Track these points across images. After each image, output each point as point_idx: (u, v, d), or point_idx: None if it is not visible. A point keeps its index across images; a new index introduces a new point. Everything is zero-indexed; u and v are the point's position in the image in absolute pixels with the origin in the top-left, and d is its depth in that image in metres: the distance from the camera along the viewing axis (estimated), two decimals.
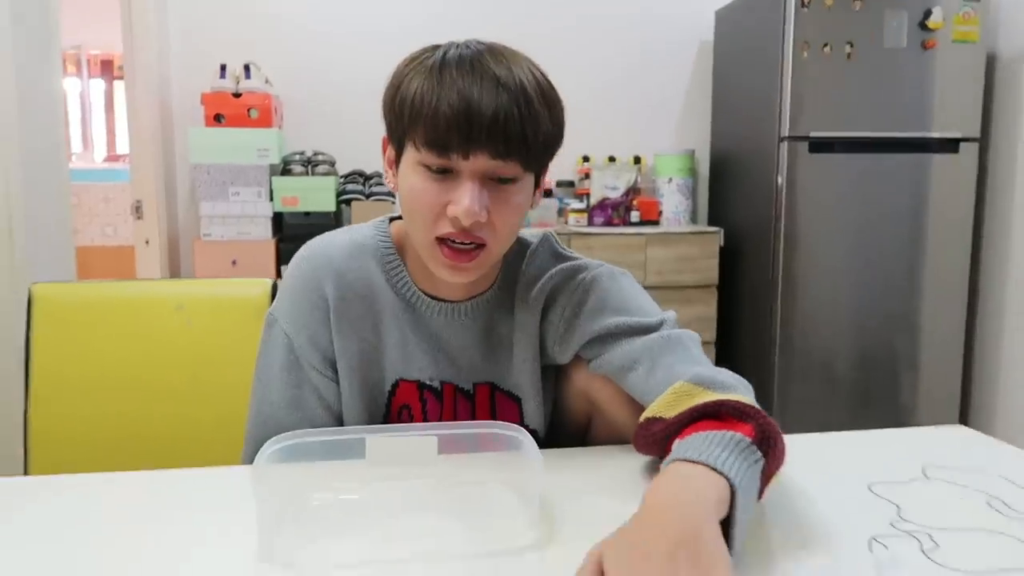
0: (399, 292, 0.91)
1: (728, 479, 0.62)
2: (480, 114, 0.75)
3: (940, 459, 0.87)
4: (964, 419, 2.90)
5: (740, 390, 0.77)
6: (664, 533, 0.56)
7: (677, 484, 0.62)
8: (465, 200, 0.77)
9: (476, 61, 0.78)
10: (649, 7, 3.32)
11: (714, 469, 0.62)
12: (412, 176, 0.80)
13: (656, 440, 0.76)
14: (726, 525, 0.61)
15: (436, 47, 0.82)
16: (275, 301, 0.93)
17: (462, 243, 0.80)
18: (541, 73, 0.81)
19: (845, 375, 2.81)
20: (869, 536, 0.68)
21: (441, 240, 0.81)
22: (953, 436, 0.97)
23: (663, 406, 0.78)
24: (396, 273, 0.91)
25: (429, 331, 0.92)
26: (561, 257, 0.96)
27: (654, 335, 0.86)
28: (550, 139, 0.81)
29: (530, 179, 0.83)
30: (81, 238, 4.56)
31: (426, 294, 0.91)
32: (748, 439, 0.66)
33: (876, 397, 2.82)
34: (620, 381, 0.87)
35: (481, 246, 0.81)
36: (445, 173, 0.78)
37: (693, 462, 0.64)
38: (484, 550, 0.66)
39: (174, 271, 3.09)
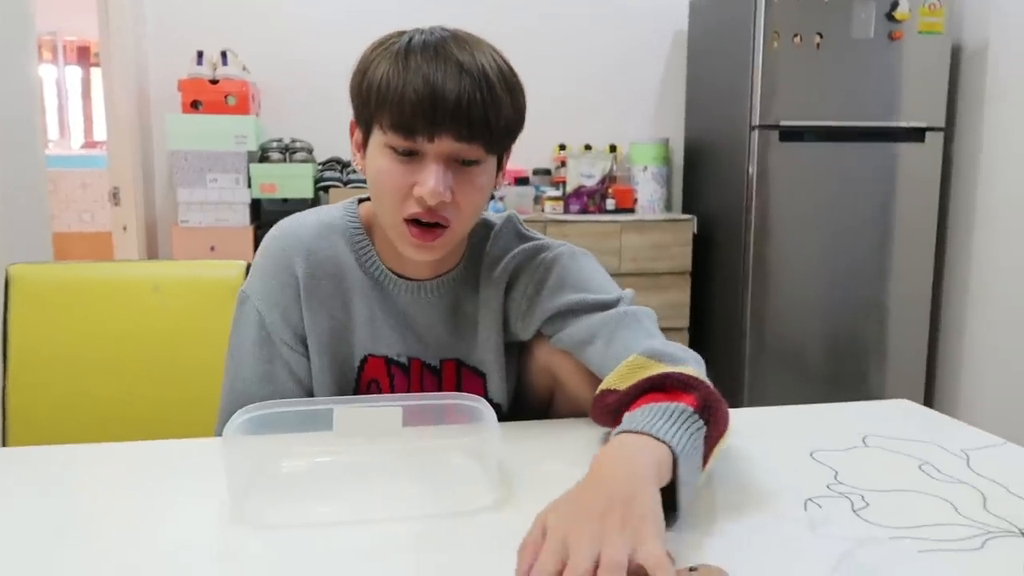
0: (367, 271, 0.95)
1: (670, 447, 0.66)
2: (444, 98, 0.78)
3: (881, 430, 0.92)
4: (929, 401, 2.98)
5: (690, 363, 0.82)
6: (600, 495, 0.60)
7: (620, 453, 0.66)
8: (431, 181, 0.81)
9: (440, 47, 0.81)
10: None
11: (656, 438, 0.67)
12: (379, 158, 0.84)
13: (610, 411, 0.81)
14: (672, 490, 0.65)
15: (402, 33, 0.85)
16: (247, 280, 0.96)
17: (428, 222, 0.84)
18: (503, 59, 0.85)
19: (815, 359, 2.88)
20: (806, 497, 0.72)
21: (408, 220, 0.84)
22: (896, 409, 1.02)
23: (617, 378, 0.82)
24: (364, 252, 0.95)
25: (397, 309, 0.95)
26: (524, 237, 1.00)
27: (611, 311, 0.90)
28: (512, 123, 0.85)
29: (493, 161, 0.87)
30: (58, 224, 4.54)
31: (393, 273, 0.95)
32: (691, 408, 0.71)
33: (845, 381, 2.90)
34: (579, 355, 0.92)
35: (445, 226, 0.84)
36: (411, 155, 0.82)
37: (637, 433, 0.68)
38: (444, 511, 0.70)
39: (152, 257, 3.09)
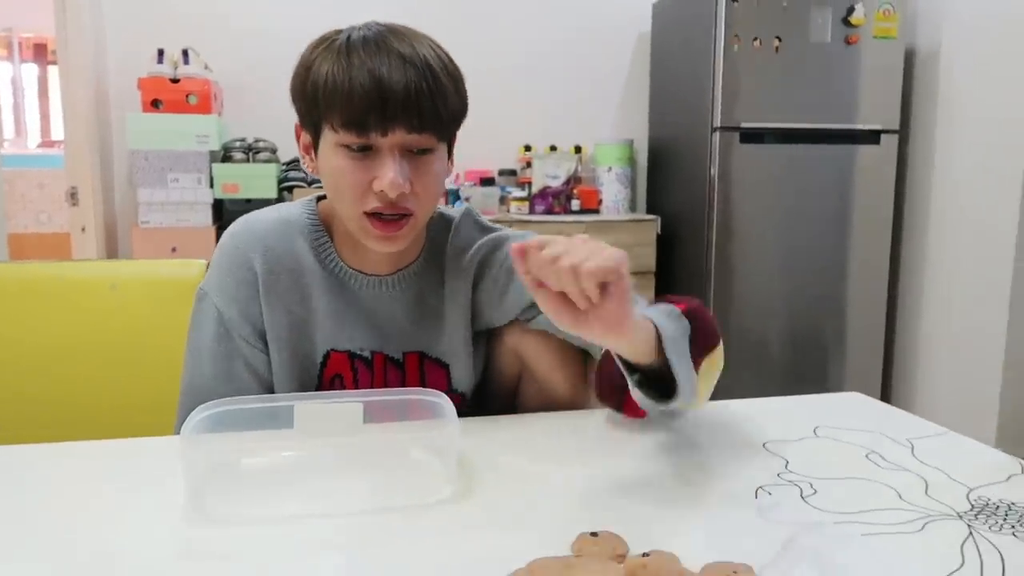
0: (327, 267, 0.95)
1: (654, 323, 0.75)
2: (393, 92, 0.80)
3: (832, 421, 0.94)
4: (886, 394, 3.05)
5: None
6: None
7: None
8: (389, 174, 0.82)
9: (381, 41, 0.83)
10: (589, 1, 3.38)
11: (644, 317, 0.76)
12: (333, 158, 0.84)
13: (617, 370, 0.81)
14: (661, 372, 0.76)
15: (338, 32, 0.86)
16: (206, 277, 0.95)
17: (390, 215, 0.85)
18: (441, 49, 0.87)
19: (776, 355, 2.94)
20: (756, 486, 0.75)
21: (369, 214, 0.85)
22: (849, 401, 1.05)
23: None
24: (324, 249, 0.95)
25: (358, 303, 0.96)
26: (485, 229, 1.02)
27: None
28: (458, 110, 0.87)
29: (444, 148, 0.89)
30: (14, 225, 4.44)
31: (353, 268, 0.95)
32: (677, 309, 0.80)
33: (806, 376, 2.95)
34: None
35: (408, 215, 0.86)
36: (365, 151, 0.83)
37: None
38: (404, 504, 0.71)
39: (111, 258, 3.04)
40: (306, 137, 0.90)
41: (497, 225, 1.04)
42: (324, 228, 0.96)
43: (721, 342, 0.85)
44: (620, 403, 0.88)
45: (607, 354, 0.88)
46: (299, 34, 3.41)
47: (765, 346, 2.92)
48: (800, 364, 2.96)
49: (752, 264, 2.88)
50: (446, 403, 0.77)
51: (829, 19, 2.77)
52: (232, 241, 0.94)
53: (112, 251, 3.05)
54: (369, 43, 0.82)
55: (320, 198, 0.99)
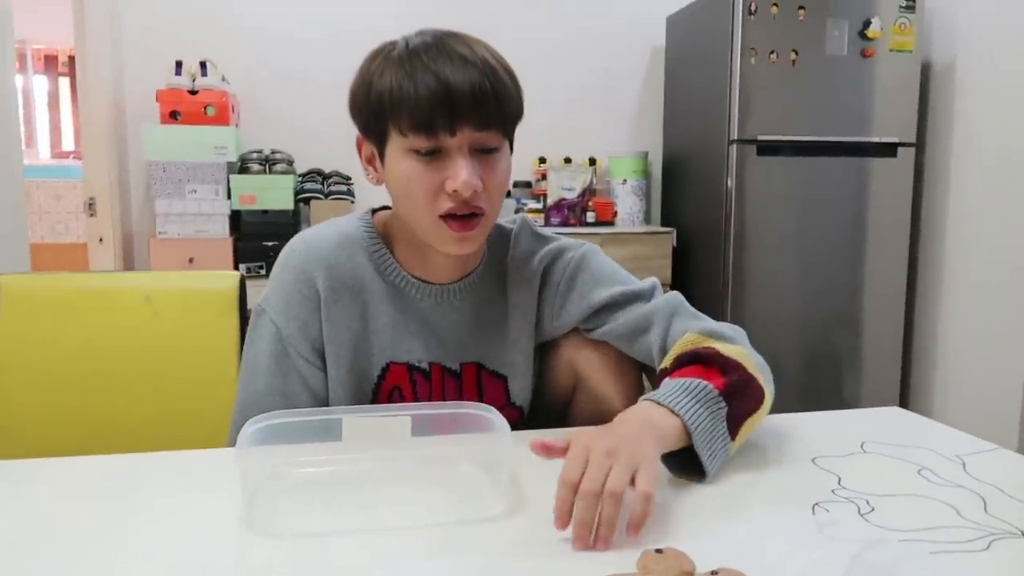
0: (387, 279, 0.95)
1: (683, 420, 0.77)
2: (459, 91, 0.81)
3: (877, 436, 0.94)
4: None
5: (738, 340, 0.91)
6: (613, 434, 0.72)
7: (638, 414, 0.78)
8: (463, 173, 0.83)
9: (441, 45, 0.84)
10: (603, 14, 3.40)
11: (672, 411, 0.77)
12: (403, 164, 0.85)
13: None
14: (687, 454, 0.78)
15: (393, 43, 0.87)
16: (264, 294, 0.95)
17: (464, 214, 0.85)
18: (497, 52, 0.88)
19: (791, 370, 2.92)
20: (812, 502, 0.74)
21: (444, 217, 0.86)
22: (890, 416, 1.05)
23: (671, 357, 0.90)
24: (384, 261, 0.95)
25: (418, 314, 0.96)
26: (543, 239, 1.03)
27: (657, 300, 0.97)
28: (518, 108, 0.89)
29: (507, 147, 0.90)
30: (30, 236, 4.46)
31: (414, 277, 0.95)
32: (716, 390, 0.79)
33: (821, 391, 2.94)
34: (630, 343, 0.96)
35: (480, 215, 0.86)
36: (434, 154, 0.84)
37: (657, 403, 0.78)
38: (455, 520, 0.70)
39: (128, 269, 3.05)
40: (368, 149, 0.91)
41: (553, 234, 1.05)
42: (382, 240, 0.96)
43: (768, 394, 0.88)
44: None
45: (660, 374, 0.89)
46: (317, 46, 3.44)
47: (781, 360, 2.91)
48: (816, 378, 2.95)
49: (768, 277, 2.88)
50: (496, 417, 0.77)
51: (845, 32, 2.78)
52: (293, 259, 0.94)
53: (129, 262, 3.05)
54: (430, 48, 0.83)
55: (375, 211, 1.00)
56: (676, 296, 0.98)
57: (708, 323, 0.94)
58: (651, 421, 0.76)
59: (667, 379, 0.84)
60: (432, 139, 0.82)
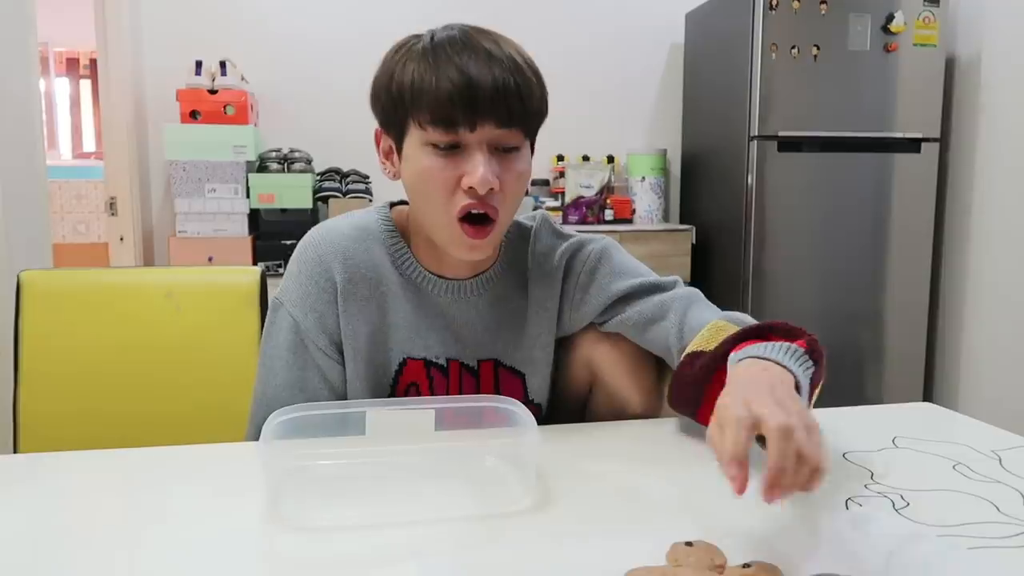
0: (404, 273, 0.94)
1: (793, 374, 0.72)
2: (481, 86, 0.79)
3: (908, 431, 0.92)
4: None
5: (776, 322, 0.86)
6: (759, 383, 0.66)
7: (755, 368, 0.72)
8: (479, 169, 0.81)
9: (466, 40, 0.82)
10: (621, 10, 3.38)
11: (782, 365, 0.72)
12: (421, 157, 0.83)
13: (699, 371, 0.83)
14: None
15: (418, 36, 0.86)
16: (281, 286, 0.95)
17: (478, 214, 0.83)
18: (524, 50, 0.87)
19: None
20: (846, 497, 0.72)
21: (461, 219, 0.84)
22: (920, 412, 1.03)
23: (701, 341, 0.86)
24: (401, 255, 0.94)
25: (436, 309, 0.95)
26: (563, 235, 1.01)
27: (677, 290, 0.95)
28: (542, 107, 0.86)
29: (528, 147, 0.88)
30: (52, 235, 4.50)
31: (431, 273, 0.94)
32: (802, 349, 0.76)
33: (843, 389, 2.90)
34: (643, 332, 0.94)
35: (494, 218, 0.84)
36: (453, 149, 0.82)
37: (761, 359, 0.73)
38: (482, 514, 0.69)
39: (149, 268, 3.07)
40: (387, 142, 0.89)
41: (571, 231, 1.03)
42: (400, 233, 0.95)
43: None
44: (695, 411, 0.86)
45: (686, 361, 0.87)
46: (335, 45, 3.46)
47: None
48: (838, 376, 2.89)
49: (789, 274, 2.85)
50: (521, 411, 0.76)
51: (868, 27, 2.74)
52: (310, 251, 0.93)
53: (149, 260, 3.07)
54: (456, 42, 0.82)
55: (393, 204, 0.99)
56: (695, 290, 0.97)
57: (728, 312, 0.92)
58: (772, 375, 0.70)
59: (733, 353, 0.78)
60: (451, 134, 0.81)
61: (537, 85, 0.84)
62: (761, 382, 0.67)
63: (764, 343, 0.76)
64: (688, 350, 0.87)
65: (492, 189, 0.82)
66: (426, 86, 0.80)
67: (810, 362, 0.75)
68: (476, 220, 0.84)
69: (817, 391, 0.79)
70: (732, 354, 0.78)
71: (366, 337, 0.92)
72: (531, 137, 0.88)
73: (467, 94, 0.79)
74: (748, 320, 0.89)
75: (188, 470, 0.81)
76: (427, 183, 0.84)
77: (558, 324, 1.00)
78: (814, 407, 0.80)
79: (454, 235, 0.85)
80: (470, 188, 0.81)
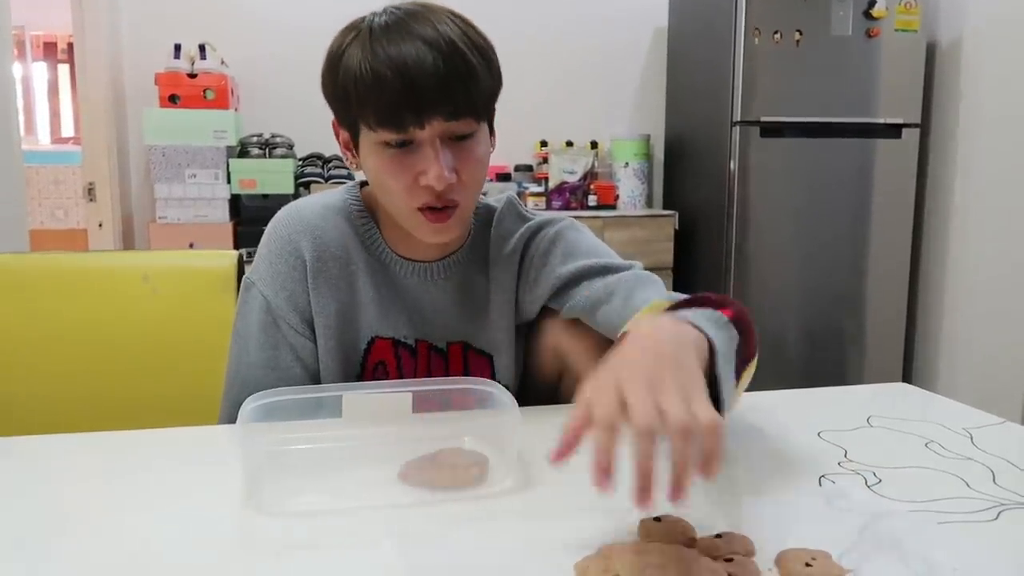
0: (373, 253, 0.94)
1: (707, 336, 0.65)
2: (423, 82, 0.77)
3: (884, 411, 0.93)
4: None
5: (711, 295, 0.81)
6: (645, 349, 0.57)
7: (660, 324, 0.64)
8: (434, 168, 0.80)
9: (402, 26, 0.79)
10: None
11: (694, 326, 0.65)
12: (375, 157, 0.83)
13: None
14: (711, 384, 0.63)
15: (359, 22, 0.84)
16: (252, 266, 0.94)
17: (439, 207, 0.83)
18: (464, 22, 0.83)
19: (795, 351, 2.92)
20: (819, 474, 0.73)
21: (420, 209, 0.84)
22: (895, 391, 1.04)
23: (637, 321, 0.81)
24: (370, 235, 0.94)
25: (404, 290, 0.95)
26: (524, 218, 1.01)
27: (627, 272, 0.92)
28: (491, 87, 0.84)
29: (484, 128, 0.87)
30: (30, 221, 4.45)
31: (399, 255, 0.94)
32: (725, 316, 0.70)
33: (824, 372, 2.93)
34: (593, 315, 0.91)
35: (454, 207, 0.84)
36: (405, 146, 0.81)
37: (674, 320, 0.66)
38: (464, 494, 0.70)
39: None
40: (345, 135, 0.89)
41: (535, 212, 1.02)
42: (369, 214, 0.95)
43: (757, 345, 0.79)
44: None
45: (620, 338, 0.83)
46: (316, 28, 3.41)
47: (784, 341, 2.91)
48: (819, 359, 2.94)
49: (771, 259, 2.86)
50: (500, 391, 0.76)
51: (850, 12, 2.75)
52: (280, 229, 0.93)
53: (129, 246, 3.04)
54: (391, 31, 0.79)
55: (363, 184, 0.98)
56: (648, 274, 0.93)
57: (675, 294, 0.87)
58: (677, 335, 0.61)
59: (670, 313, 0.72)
60: (401, 133, 0.79)
61: (483, 65, 0.81)
62: (656, 351, 0.57)
63: (688, 310, 0.70)
64: (623, 329, 0.82)
65: (451, 183, 0.81)
66: (368, 86, 0.78)
67: (734, 331, 0.70)
68: (438, 209, 0.84)
69: (751, 367, 0.75)
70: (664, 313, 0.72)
71: (335, 315, 0.92)
72: (484, 118, 0.86)
73: (410, 92, 0.77)
74: (717, 318, 0.85)
75: (165, 453, 0.81)
76: (386, 182, 0.83)
77: (517, 307, 0.99)
78: (751, 382, 0.77)
79: (417, 223, 0.85)
80: (428, 185, 0.81)
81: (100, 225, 2.86)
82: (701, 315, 0.69)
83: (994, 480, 0.72)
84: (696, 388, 0.55)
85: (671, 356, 0.57)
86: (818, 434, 0.84)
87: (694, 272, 3.12)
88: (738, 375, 0.71)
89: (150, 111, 2.77)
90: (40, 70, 6.27)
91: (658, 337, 0.60)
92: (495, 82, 0.85)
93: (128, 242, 3.04)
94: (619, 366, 0.56)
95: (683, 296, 0.85)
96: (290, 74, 3.12)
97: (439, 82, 0.78)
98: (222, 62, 2.93)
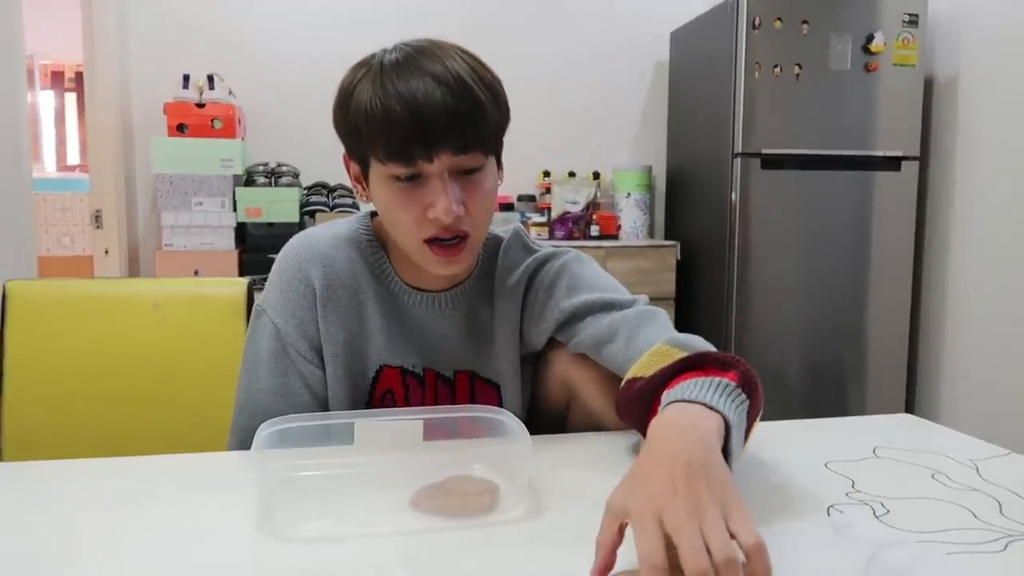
0: (382, 283, 0.95)
1: (723, 415, 0.67)
2: (432, 117, 0.79)
3: (889, 441, 0.93)
4: None
5: (713, 351, 0.82)
6: (677, 465, 0.58)
7: (681, 421, 0.65)
8: (442, 201, 0.82)
9: (412, 63, 0.81)
10: (606, 28, 3.43)
11: (709, 407, 0.67)
12: (385, 190, 0.85)
13: (636, 398, 0.80)
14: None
15: (369, 59, 0.85)
16: (263, 293, 0.96)
17: (448, 239, 0.85)
18: (473, 59, 0.85)
19: (797, 383, 2.92)
20: (827, 504, 0.74)
21: (428, 241, 0.85)
22: (900, 423, 1.04)
23: (642, 367, 0.82)
24: (379, 264, 0.96)
25: (412, 319, 0.96)
26: (530, 249, 1.02)
27: (630, 310, 0.92)
28: (499, 122, 0.85)
29: (492, 162, 0.88)
30: (37, 248, 4.47)
31: (408, 284, 0.96)
32: (733, 383, 0.71)
33: (826, 403, 2.93)
34: (598, 353, 0.92)
35: (464, 238, 0.86)
36: (414, 179, 0.83)
37: (688, 402, 0.68)
38: (475, 522, 0.70)
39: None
40: (355, 168, 0.90)
41: (541, 244, 1.04)
42: (379, 243, 0.96)
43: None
44: (642, 432, 0.85)
45: (625, 386, 0.84)
46: (322, 61, 3.48)
47: (786, 372, 2.91)
48: (821, 391, 2.94)
49: (773, 290, 2.88)
50: (510, 419, 0.77)
51: (849, 47, 2.79)
52: (291, 257, 0.94)
53: (134, 273, 3.06)
54: (401, 67, 0.81)
55: (374, 214, 1.00)
56: (652, 309, 0.93)
57: (678, 335, 0.87)
58: (701, 438, 0.63)
59: (667, 391, 0.74)
60: (410, 166, 0.81)
61: (491, 100, 0.83)
62: (686, 459, 0.58)
63: (697, 379, 0.72)
64: (628, 375, 0.84)
65: (459, 216, 0.82)
66: (378, 122, 0.80)
67: (743, 396, 0.71)
68: (446, 241, 0.85)
69: (756, 425, 0.76)
70: (666, 392, 0.73)
71: (344, 343, 0.93)
72: (492, 152, 0.87)
73: (419, 127, 0.78)
74: (696, 343, 0.84)
75: (175, 479, 0.81)
76: (395, 215, 0.85)
77: (521, 338, 0.99)
78: (760, 420, 0.78)
79: (426, 256, 0.87)
80: (436, 218, 0.82)
81: (106, 252, 2.88)
82: (712, 388, 0.70)
83: (1001, 511, 0.72)
84: (733, 502, 0.56)
85: (701, 465, 0.58)
86: (825, 464, 0.85)
87: (696, 303, 3.13)
88: (746, 434, 0.73)
89: (159, 140, 2.80)
90: (47, 98, 6.33)
91: (682, 445, 0.61)
92: (503, 116, 0.86)
93: (133, 269, 3.05)
94: (655, 486, 0.57)
95: (685, 338, 0.85)
96: (296, 104, 3.17)
97: (448, 117, 0.79)
98: (230, 92, 2.97)
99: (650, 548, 0.52)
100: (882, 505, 0.74)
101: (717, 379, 0.72)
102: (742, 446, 0.71)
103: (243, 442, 0.92)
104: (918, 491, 0.78)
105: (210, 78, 2.89)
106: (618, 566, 0.59)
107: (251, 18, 3.13)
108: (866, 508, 0.73)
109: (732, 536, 0.54)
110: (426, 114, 0.78)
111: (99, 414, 1.18)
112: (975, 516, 0.71)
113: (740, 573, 0.52)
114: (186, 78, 2.88)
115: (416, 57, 0.82)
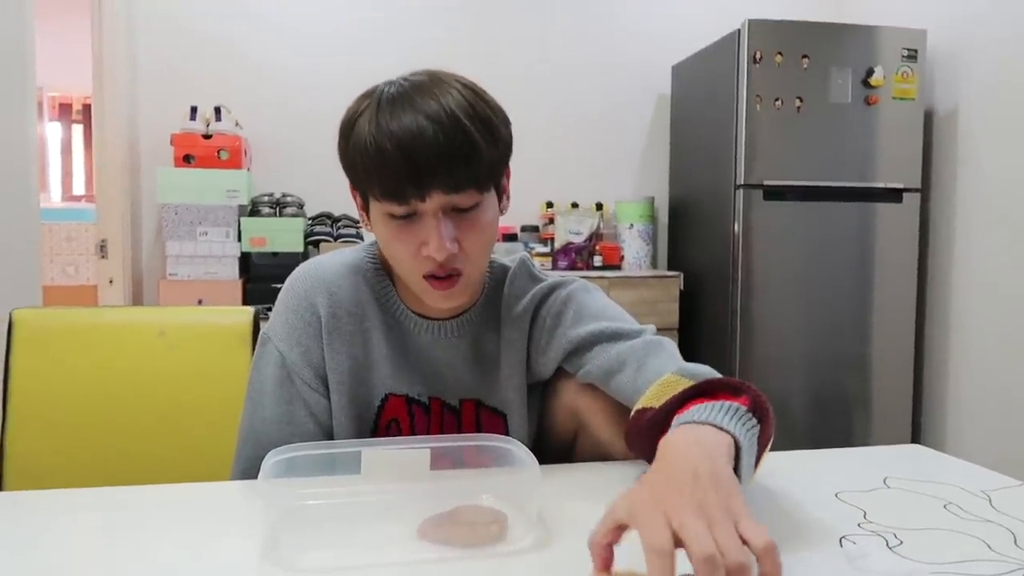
0: (388, 310, 0.95)
1: (733, 435, 0.67)
2: (424, 157, 0.78)
3: (900, 472, 0.93)
4: None
5: (723, 378, 0.82)
6: (685, 468, 0.59)
7: (689, 438, 0.66)
8: (434, 240, 0.82)
9: (406, 101, 0.81)
10: (609, 62, 3.47)
11: (719, 428, 0.67)
12: (382, 226, 0.85)
13: (647, 427, 0.79)
14: None
15: (370, 92, 0.85)
16: (269, 322, 0.96)
17: (443, 276, 0.85)
18: (471, 92, 0.84)
19: (800, 415, 2.90)
20: (839, 535, 0.73)
21: (426, 276, 0.86)
22: (910, 453, 1.03)
23: (651, 397, 0.82)
24: (385, 293, 0.96)
25: (417, 348, 0.96)
26: (536, 279, 1.02)
27: (637, 340, 0.92)
28: (496, 158, 0.84)
29: (490, 196, 0.87)
30: (41, 277, 4.49)
31: (414, 312, 0.96)
32: (744, 407, 0.71)
33: (831, 434, 2.91)
34: (607, 383, 0.91)
35: (459, 274, 0.86)
36: (410, 217, 0.83)
37: (699, 423, 0.68)
38: (484, 552, 0.69)
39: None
40: (359, 199, 0.90)
41: (547, 274, 1.04)
42: (385, 272, 0.97)
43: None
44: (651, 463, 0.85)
45: (635, 417, 0.83)
46: (328, 92, 3.52)
47: (790, 403, 2.89)
48: (826, 421, 2.92)
49: (776, 320, 2.87)
50: (518, 447, 0.76)
51: (849, 80, 2.83)
52: (297, 285, 0.95)
53: (138, 303, 3.06)
54: (396, 104, 0.81)
55: None
56: (659, 339, 0.93)
57: (687, 364, 0.87)
58: (709, 451, 0.63)
59: (677, 416, 0.74)
60: (404, 205, 0.81)
61: (485, 137, 0.82)
62: (693, 467, 0.59)
63: (706, 403, 0.72)
64: (637, 405, 0.83)
65: (453, 253, 0.83)
66: (372, 159, 0.80)
67: (753, 420, 0.71)
68: (442, 277, 0.85)
69: (767, 450, 0.76)
70: (676, 417, 0.74)
71: (349, 371, 0.93)
72: (490, 187, 0.86)
73: (411, 167, 0.78)
74: (705, 372, 0.84)
75: (180, 508, 0.80)
76: (393, 250, 0.86)
77: (528, 368, 0.99)
78: (770, 450, 0.78)
79: (424, 289, 0.87)
80: (429, 256, 0.83)
81: (111, 281, 2.89)
82: (722, 411, 0.70)
83: (1016, 543, 0.72)
84: (739, 506, 0.56)
85: (708, 473, 0.59)
86: (836, 495, 0.84)
87: (699, 333, 3.13)
88: (757, 460, 0.73)
89: (165, 170, 2.83)
90: (55, 130, 6.40)
91: (690, 457, 0.62)
92: (501, 151, 0.85)
93: (137, 298, 3.06)
94: (661, 489, 0.57)
95: (694, 367, 0.85)
96: (302, 136, 3.20)
97: (439, 156, 0.79)
98: (236, 124, 3.00)
99: (655, 535, 0.52)
100: (895, 536, 0.73)
101: (727, 403, 0.72)
102: (752, 471, 0.70)
103: (247, 471, 0.92)
104: (931, 522, 0.77)
105: (217, 110, 2.93)
106: (618, 566, 0.58)
107: (258, 52, 3.17)
108: (879, 539, 0.72)
109: (742, 541, 0.53)
110: (416, 153, 0.78)
111: (104, 442, 1.17)
112: (990, 547, 0.70)
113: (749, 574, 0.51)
114: (193, 110, 2.91)
115: (411, 93, 0.82)
